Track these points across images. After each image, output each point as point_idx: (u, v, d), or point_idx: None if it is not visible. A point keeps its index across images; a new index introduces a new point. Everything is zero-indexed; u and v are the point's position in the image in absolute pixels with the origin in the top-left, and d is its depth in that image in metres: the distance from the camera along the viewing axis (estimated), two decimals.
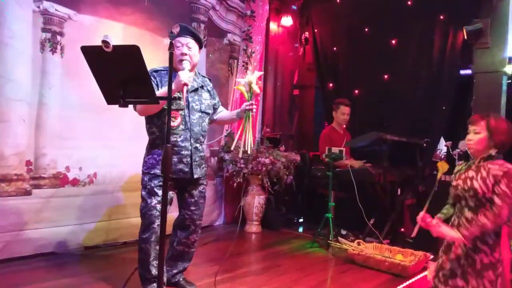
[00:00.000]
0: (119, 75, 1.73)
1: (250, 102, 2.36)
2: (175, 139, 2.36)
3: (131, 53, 1.66)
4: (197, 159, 2.46)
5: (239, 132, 2.37)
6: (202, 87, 2.54)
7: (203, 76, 2.63)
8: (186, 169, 2.41)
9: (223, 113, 2.71)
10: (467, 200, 1.92)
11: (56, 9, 3.15)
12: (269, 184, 4.30)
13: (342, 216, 4.11)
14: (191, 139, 2.41)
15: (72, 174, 3.27)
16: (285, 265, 3.31)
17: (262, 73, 2.48)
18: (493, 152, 1.93)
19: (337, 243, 3.62)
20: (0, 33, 2.87)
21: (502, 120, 1.97)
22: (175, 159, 2.36)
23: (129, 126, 3.40)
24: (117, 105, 1.80)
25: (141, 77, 1.74)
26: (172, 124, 2.33)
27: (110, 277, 2.80)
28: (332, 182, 3.79)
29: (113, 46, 1.62)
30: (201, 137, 2.50)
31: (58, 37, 3.19)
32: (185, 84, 2.12)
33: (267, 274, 3.09)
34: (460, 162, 2.12)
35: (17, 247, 2.97)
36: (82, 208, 3.32)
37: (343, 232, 4.09)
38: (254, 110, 2.38)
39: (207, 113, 2.54)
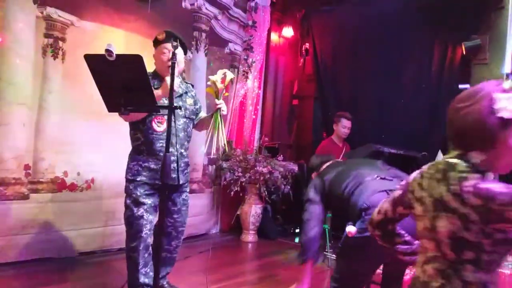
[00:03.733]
0: (121, 83, 1.75)
1: (218, 101, 2.37)
2: (160, 144, 2.36)
3: (134, 63, 1.69)
4: (182, 165, 2.47)
5: (209, 133, 2.40)
6: (186, 93, 2.55)
7: (186, 82, 2.65)
8: (174, 175, 2.39)
9: (201, 117, 2.68)
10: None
11: (59, 15, 3.17)
12: (266, 193, 4.30)
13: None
14: (177, 144, 2.40)
15: (70, 179, 3.27)
16: (280, 275, 3.31)
17: (225, 70, 2.44)
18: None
19: (333, 255, 3.62)
20: (3, 37, 2.89)
21: None
22: (160, 165, 2.25)
23: (127, 132, 3.40)
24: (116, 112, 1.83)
25: (143, 86, 1.76)
26: (158, 129, 2.35)
27: (105, 283, 2.80)
28: None
29: (116, 55, 1.64)
30: (186, 143, 2.50)
31: (60, 43, 3.21)
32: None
33: (262, 284, 3.08)
34: None
35: (13, 252, 2.96)
36: (79, 213, 3.31)
37: None
38: (223, 109, 2.38)
39: (191, 119, 2.56)
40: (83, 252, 3.35)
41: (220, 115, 2.37)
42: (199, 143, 3.97)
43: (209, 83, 2.40)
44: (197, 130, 2.72)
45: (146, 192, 2.35)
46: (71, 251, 3.28)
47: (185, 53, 2.51)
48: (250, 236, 4.37)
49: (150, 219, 2.35)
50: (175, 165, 2.41)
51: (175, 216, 2.52)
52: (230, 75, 2.39)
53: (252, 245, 4.29)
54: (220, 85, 2.36)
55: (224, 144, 2.34)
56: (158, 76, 2.42)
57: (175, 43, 2.04)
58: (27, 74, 3.03)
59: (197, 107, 2.62)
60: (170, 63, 2.24)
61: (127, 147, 2.62)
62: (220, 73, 2.39)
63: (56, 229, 3.18)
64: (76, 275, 2.97)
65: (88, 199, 3.37)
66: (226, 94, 2.51)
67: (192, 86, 2.69)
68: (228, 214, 4.59)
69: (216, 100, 2.39)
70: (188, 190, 2.61)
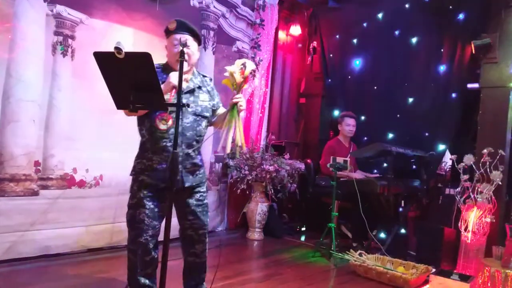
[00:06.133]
0: (130, 81, 1.76)
1: (234, 94, 2.13)
2: (164, 143, 2.17)
3: (143, 60, 1.69)
4: (188, 166, 2.24)
5: (223, 130, 2.13)
6: (200, 87, 2.31)
7: (203, 76, 2.40)
8: (177, 177, 2.18)
9: (219, 113, 2.44)
10: None
11: (68, 13, 3.20)
12: (272, 191, 4.31)
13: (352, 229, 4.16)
14: (183, 144, 2.18)
15: (79, 175, 3.30)
16: (286, 273, 3.31)
17: (244, 60, 2.14)
18: None
19: (339, 254, 3.62)
20: (14, 34, 2.92)
21: None
22: (164, 165, 2.16)
23: (136, 129, 3.42)
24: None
25: (151, 83, 1.77)
26: (162, 127, 2.17)
27: (113, 280, 2.82)
28: (335, 192, 3.80)
29: (125, 52, 1.65)
30: (194, 143, 2.25)
31: (70, 41, 3.23)
32: (175, 87, 2.01)
33: (268, 282, 3.09)
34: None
35: (23, 248, 3.00)
36: (88, 210, 3.35)
37: (354, 244, 4.04)
38: (242, 104, 2.13)
39: (204, 116, 2.29)
40: (91, 248, 3.39)
41: (238, 111, 2.11)
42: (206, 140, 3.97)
43: (226, 74, 2.14)
44: (215, 128, 2.46)
45: (150, 194, 2.20)
46: (80, 247, 3.32)
47: (199, 44, 2.30)
48: (256, 234, 4.38)
49: (153, 225, 2.20)
50: (179, 166, 2.14)
51: (190, 217, 2.30)
52: (250, 65, 2.13)
53: (258, 243, 4.30)
54: (238, 78, 2.10)
55: (241, 144, 2.09)
56: (168, 69, 2.23)
57: (183, 39, 2.02)
58: (37, 72, 3.06)
59: (213, 102, 2.37)
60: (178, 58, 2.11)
61: (136, 144, 2.63)
62: (238, 63, 2.12)
63: (65, 226, 3.21)
64: (84, 272, 2.99)
65: (97, 195, 3.40)
66: (245, 86, 2.20)
67: (211, 79, 2.44)
68: (234, 212, 4.61)
69: (235, 93, 2.14)
70: (203, 190, 2.36)
